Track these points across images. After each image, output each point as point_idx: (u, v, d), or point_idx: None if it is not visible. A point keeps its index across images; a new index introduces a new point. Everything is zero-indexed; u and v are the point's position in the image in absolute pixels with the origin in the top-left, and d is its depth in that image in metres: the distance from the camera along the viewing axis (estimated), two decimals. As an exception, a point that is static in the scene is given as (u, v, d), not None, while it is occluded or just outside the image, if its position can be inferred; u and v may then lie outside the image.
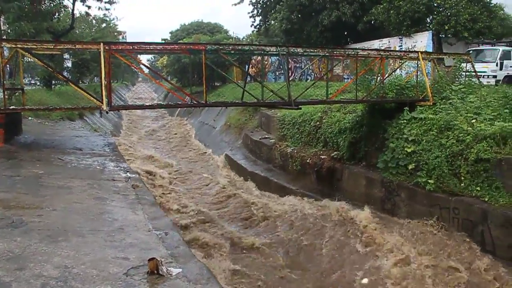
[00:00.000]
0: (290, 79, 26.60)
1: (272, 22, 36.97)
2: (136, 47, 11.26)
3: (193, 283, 5.37)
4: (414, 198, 11.23)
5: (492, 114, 11.36)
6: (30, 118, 18.74)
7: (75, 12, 26.49)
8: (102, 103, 10.75)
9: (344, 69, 28.57)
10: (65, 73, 29.51)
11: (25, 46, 10.99)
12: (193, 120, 35.97)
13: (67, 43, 14.70)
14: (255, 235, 12.13)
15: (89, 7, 26.02)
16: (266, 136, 19.96)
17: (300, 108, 13.94)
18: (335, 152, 14.54)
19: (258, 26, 40.15)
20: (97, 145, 15.88)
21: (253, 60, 34.47)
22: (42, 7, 22.14)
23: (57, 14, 25.90)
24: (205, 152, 24.45)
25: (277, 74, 37.07)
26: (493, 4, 24.56)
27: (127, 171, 11.62)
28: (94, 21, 36.78)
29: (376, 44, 26.99)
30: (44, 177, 9.86)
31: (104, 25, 37.73)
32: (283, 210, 13.62)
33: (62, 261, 5.56)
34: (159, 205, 9.96)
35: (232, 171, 19.50)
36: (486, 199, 9.67)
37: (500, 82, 18.67)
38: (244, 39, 49.84)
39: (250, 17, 39.70)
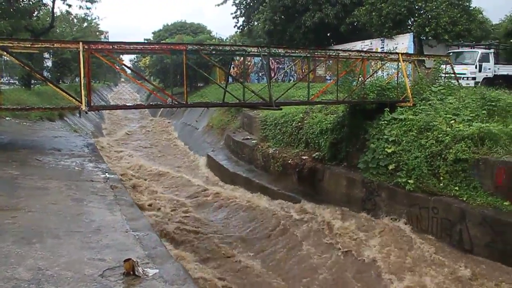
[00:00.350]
0: (273, 80, 26.66)
1: (255, 23, 36.96)
2: (116, 47, 11.10)
3: (169, 283, 5.30)
4: (394, 198, 11.33)
5: (471, 115, 11.55)
6: (7, 118, 18.37)
7: (55, 10, 26.16)
8: (81, 103, 10.55)
9: (326, 70, 28.70)
10: (45, 73, 29.04)
11: (1, 44, 10.70)
12: (175, 121, 35.75)
13: (45, 41, 14.30)
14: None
15: (69, 5, 25.77)
16: (248, 137, 19.92)
17: (281, 109, 13.95)
18: (316, 153, 14.59)
19: (241, 27, 40.10)
20: (76, 146, 15.63)
21: (236, 61, 34.39)
22: (20, 4, 21.73)
23: (36, 12, 25.48)
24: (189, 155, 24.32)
25: (260, 75, 37.07)
26: (472, 8, 24.96)
27: (106, 172, 11.45)
28: (75, 20, 36.36)
29: (358, 45, 27.20)
30: (20, 178, 9.65)
31: (85, 24, 37.29)
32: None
33: (36, 263, 5.43)
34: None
35: (213, 171, 19.42)
36: (465, 199, 9.82)
37: (479, 84, 18.98)
38: (228, 40, 49.69)
39: (234, 18, 39.70)
